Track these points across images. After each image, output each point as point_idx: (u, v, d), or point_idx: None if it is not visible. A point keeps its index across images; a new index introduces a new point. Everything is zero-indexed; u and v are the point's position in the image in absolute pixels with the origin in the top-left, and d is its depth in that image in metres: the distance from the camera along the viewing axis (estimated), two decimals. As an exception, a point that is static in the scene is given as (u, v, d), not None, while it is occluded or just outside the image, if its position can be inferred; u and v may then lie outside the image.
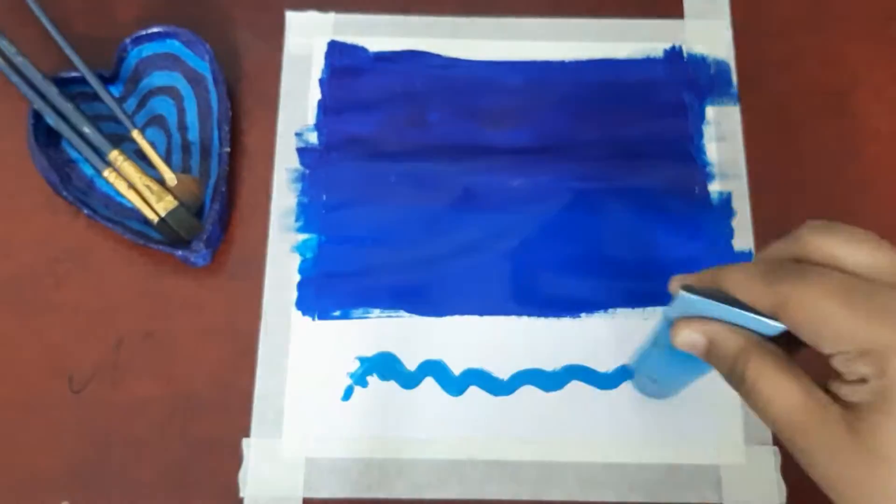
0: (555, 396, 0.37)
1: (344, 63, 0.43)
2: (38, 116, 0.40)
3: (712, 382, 0.37)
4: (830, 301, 0.22)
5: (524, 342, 0.38)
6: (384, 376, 0.37)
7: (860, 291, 0.22)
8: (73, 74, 0.40)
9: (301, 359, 0.38)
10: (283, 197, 0.40)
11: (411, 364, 0.38)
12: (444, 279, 0.39)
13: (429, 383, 0.37)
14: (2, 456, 0.37)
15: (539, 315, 0.38)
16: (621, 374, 0.37)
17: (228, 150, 0.40)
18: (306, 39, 0.43)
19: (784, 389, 0.24)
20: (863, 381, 0.22)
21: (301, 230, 0.40)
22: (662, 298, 0.38)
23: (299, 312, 0.38)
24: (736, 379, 0.25)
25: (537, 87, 0.42)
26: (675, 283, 0.27)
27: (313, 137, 0.41)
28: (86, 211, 0.38)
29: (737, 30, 0.44)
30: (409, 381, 0.37)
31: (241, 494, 0.36)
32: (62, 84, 0.40)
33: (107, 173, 0.39)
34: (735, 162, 0.41)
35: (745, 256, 0.39)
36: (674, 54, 0.43)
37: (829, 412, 0.23)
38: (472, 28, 0.43)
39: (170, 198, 0.39)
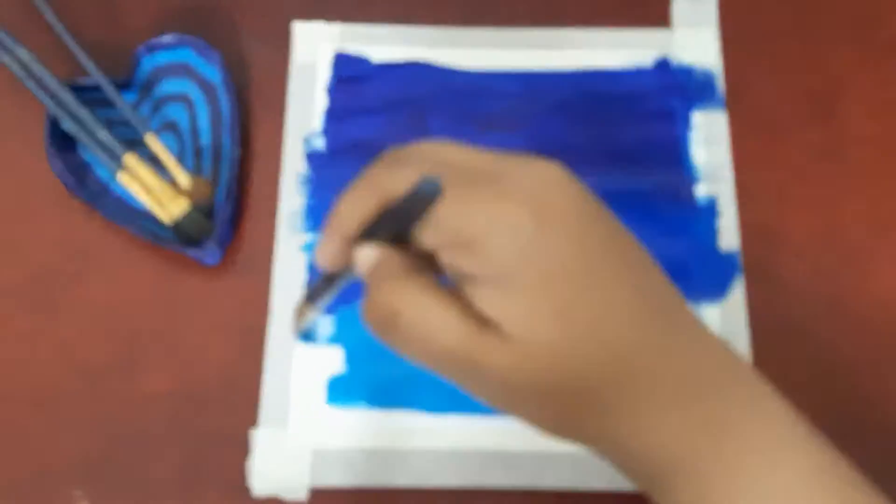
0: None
1: (349, 72, 0.44)
2: (54, 121, 0.41)
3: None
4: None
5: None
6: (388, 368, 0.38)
7: (467, 184, 0.22)
8: (89, 82, 0.42)
9: (307, 353, 0.39)
10: (291, 199, 0.42)
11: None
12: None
13: (431, 374, 0.38)
14: (17, 448, 0.37)
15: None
16: None
17: (239, 154, 0.41)
18: (312, 48, 0.45)
19: (442, 322, 0.22)
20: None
21: (308, 230, 0.41)
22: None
23: (306, 309, 0.40)
24: (383, 313, 0.23)
25: (533, 94, 0.44)
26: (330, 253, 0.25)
27: (319, 142, 0.43)
28: (100, 212, 0.40)
29: (724, 37, 0.45)
30: (412, 371, 0.38)
31: (249, 484, 0.37)
32: (78, 91, 0.42)
33: (121, 176, 0.40)
34: (722, 166, 0.42)
35: (731, 257, 0.40)
36: (662, 62, 0.44)
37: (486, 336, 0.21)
38: (471, 38, 0.45)
39: (182, 200, 0.40)
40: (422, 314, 0.22)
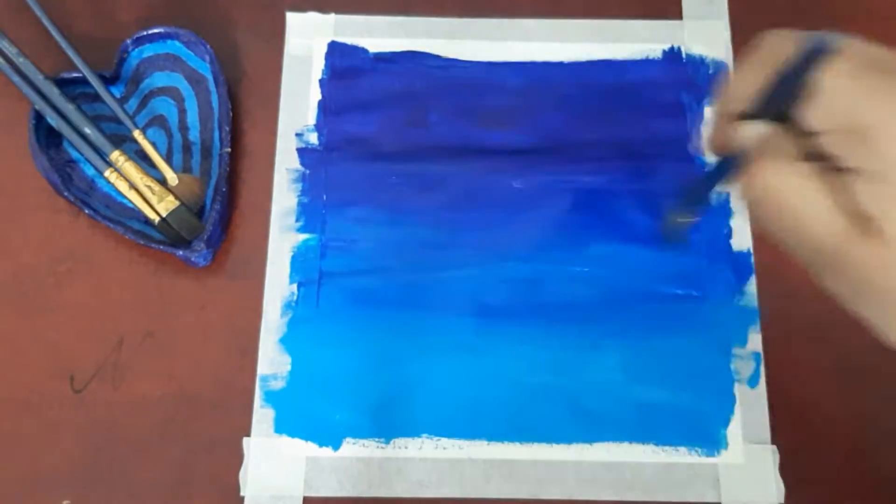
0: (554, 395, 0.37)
1: (344, 64, 0.43)
2: (39, 117, 0.40)
3: (712, 381, 0.37)
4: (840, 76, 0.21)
5: (523, 345, 0.38)
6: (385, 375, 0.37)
7: (870, 69, 0.21)
8: (75, 75, 0.41)
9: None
10: (284, 197, 0.40)
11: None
12: (443, 279, 0.39)
13: (429, 381, 0.37)
14: (3, 455, 0.37)
15: (538, 317, 0.38)
16: (618, 369, 0.37)
17: (229, 150, 0.40)
18: (306, 40, 0.43)
19: (817, 213, 0.22)
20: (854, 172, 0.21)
21: (301, 230, 0.40)
22: (659, 297, 0.38)
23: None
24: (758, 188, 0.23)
25: (537, 87, 0.42)
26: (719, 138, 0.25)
27: (314, 138, 0.42)
28: (87, 211, 0.39)
29: (735, 30, 0.44)
30: (410, 379, 0.37)
31: (242, 493, 0.36)
32: (63, 85, 0.40)
33: (108, 173, 0.39)
34: (734, 162, 0.41)
35: (743, 256, 0.39)
36: (672, 55, 0.43)
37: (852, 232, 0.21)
38: (471, 29, 0.44)
39: (171, 198, 0.39)
40: (798, 201, 0.22)
